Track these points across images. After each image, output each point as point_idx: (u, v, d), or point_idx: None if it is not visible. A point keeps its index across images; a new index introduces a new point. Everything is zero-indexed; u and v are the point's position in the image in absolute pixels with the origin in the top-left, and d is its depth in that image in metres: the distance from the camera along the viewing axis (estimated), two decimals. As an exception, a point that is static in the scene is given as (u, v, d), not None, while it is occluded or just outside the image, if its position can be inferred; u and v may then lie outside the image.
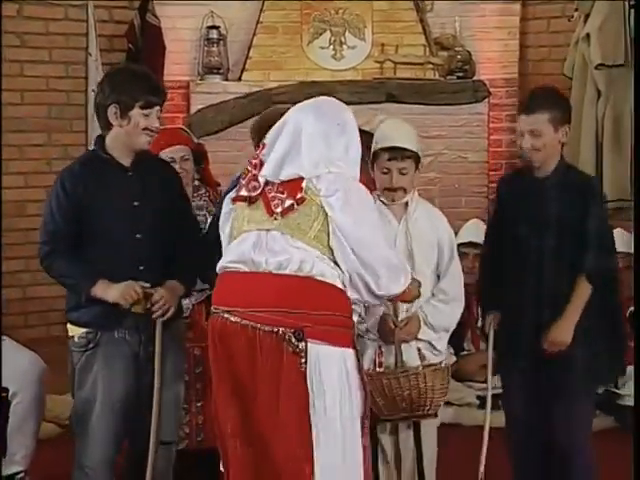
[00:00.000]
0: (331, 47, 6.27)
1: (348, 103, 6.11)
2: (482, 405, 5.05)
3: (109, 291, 3.27)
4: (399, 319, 3.58)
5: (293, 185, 2.91)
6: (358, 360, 2.99)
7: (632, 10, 5.76)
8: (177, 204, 3.46)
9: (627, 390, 4.96)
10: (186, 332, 4.31)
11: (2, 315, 4.67)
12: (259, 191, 2.95)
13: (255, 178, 2.98)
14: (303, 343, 2.83)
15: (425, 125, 6.15)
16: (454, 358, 5.29)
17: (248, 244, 2.93)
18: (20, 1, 5.87)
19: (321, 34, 6.27)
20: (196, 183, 4.42)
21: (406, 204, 3.62)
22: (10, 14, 5.80)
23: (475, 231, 5.55)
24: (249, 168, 3.03)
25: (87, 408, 3.34)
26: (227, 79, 6.22)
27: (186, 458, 4.40)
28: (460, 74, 6.21)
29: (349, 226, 2.89)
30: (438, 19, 6.32)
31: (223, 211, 3.13)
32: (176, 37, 6.22)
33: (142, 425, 3.36)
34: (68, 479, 3.50)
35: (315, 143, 2.95)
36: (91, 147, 5.95)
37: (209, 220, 4.10)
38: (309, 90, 6.06)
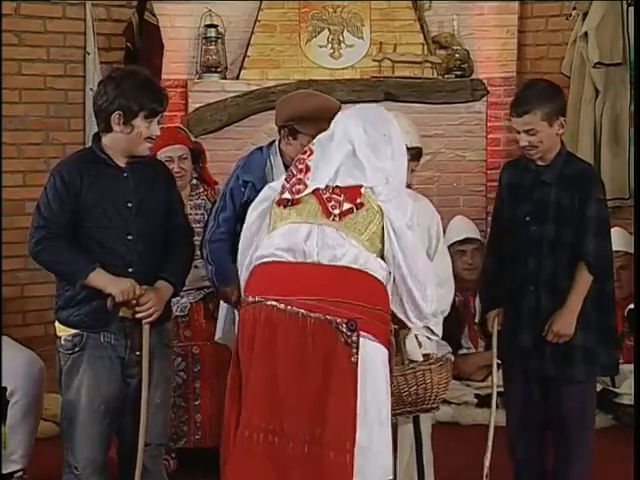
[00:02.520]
0: (329, 46, 6.26)
1: (346, 102, 6.21)
2: (480, 404, 5.08)
3: (108, 282, 3.23)
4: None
5: (352, 190, 2.97)
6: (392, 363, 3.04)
7: (630, 9, 5.77)
8: (170, 206, 3.44)
9: (625, 389, 4.98)
10: (184, 331, 4.32)
11: (1, 314, 4.68)
12: (304, 194, 2.98)
13: (300, 182, 3.01)
14: (355, 335, 2.83)
15: (423, 124, 6.13)
16: (452, 357, 5.29)
17: (300, 235, 2.94)
18: (18, -1, 5.87)
19: (319, 33, 6.25)
20: (194, 182, 4.43)
21: None
22: (8, 12, 5.79)
23: (467, 226, 5.57)
24: (294, 171, 3.05)
25: (73, 410, 3.33)
26: (225, 78, 6.21)
27: (184, 456, 4.41)
28: (458, 73, 6.20)
29: (404, 232, 2.96)
30: (436, 18, 6.30)
31: (258, 201, 3.15)
32: (174, 36, 6.20)
33: (130, 427, 3.37)
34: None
35: (369, 154, 3.01)
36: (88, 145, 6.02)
37: (206, 218, 4.10)
38: (307, 89, 6.07)
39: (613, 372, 3.86)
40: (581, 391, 3.65)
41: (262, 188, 3.58)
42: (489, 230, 3.91)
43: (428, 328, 3.65)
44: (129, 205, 3.29)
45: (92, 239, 3.27)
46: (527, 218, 3.61)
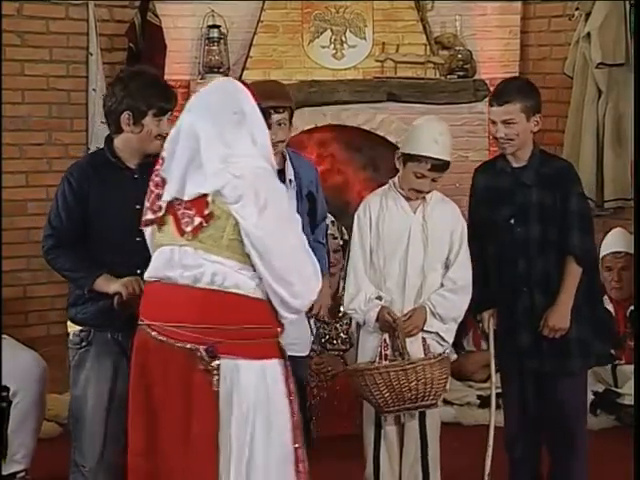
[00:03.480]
0: (332, 46, 6.25)
1: (349, 102, 6.24)
2: (482, 405, 5.07)
3: (111, 283, 3.29)
4: (403, 311, 3.62)
5: (199, 202, 2.77)
6: (288, 370, 2.87)
7: (632, 9, 5.76)
8: None
9: (627, 389, 4.98)
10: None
11: (2, 314, 4.68)
12: (164, 211, 2.82)
13: (159, 198, 2.84)
14: (217, 360, 2.73)
15: (426, 124, 6.16)
16: (455, 356, 5.30)
17: (161, 259, 2.84)
18: (20, 0, 5.87)
19: (322, 33, 6.25)
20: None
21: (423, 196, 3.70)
22: (10, 13, 5.80)
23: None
24: (152, 187, 2.87)
25: (80, 406, 3.37)
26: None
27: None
28: (461, 73, 6.20)
29: (254, 232, 2.73)
30: (439, 18, 6.30)
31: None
32: (177, 36, 6.20)
33: None
34: (65, 478, 3.52)
35: (213, 148, 2.76)
36: (91, 146, 6.01)
37: None
38: (310, 89, 6.07)
39: (608, 361, 3.90)
40: (577, 383, 3.71)
41: None
42: (467, 235, 3.80)
43: (438, 334, 3.66)
44: (138, 207, 3.25)
45: (103, 241, 3.32)
46: (511, 221, 3.64)
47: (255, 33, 6.21)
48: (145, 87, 3.30)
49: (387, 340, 3.63)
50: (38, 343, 5.00)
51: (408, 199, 3.67)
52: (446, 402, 4.97)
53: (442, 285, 3.66)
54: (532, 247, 3.63)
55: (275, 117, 3.63)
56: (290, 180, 3.74)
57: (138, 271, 3.28)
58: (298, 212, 3.67)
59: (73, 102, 6.12)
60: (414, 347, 3.62)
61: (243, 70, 6.23)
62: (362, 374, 3.49)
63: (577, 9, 5.88)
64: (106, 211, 3.32)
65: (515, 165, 3.67)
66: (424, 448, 3.68)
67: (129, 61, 6.05)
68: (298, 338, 3.74)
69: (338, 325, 5.16)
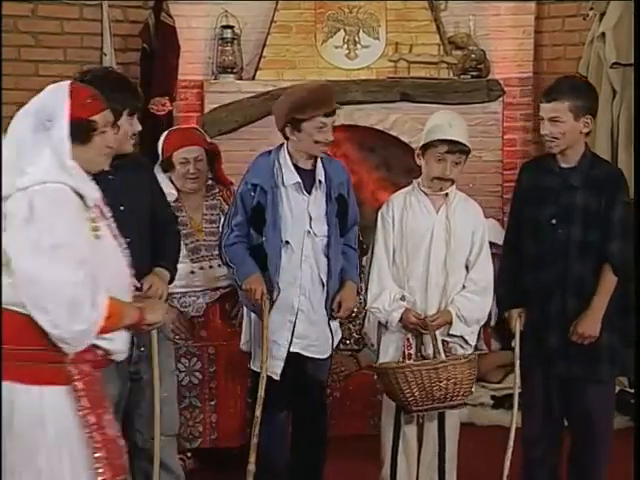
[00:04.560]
0: (345, 46, 6.25)
1: (362, 102, 6.25)
2: (496, 405, 5.07)
3: None
4: (427, 311, 3.64)
5: None
6: (86, 398, 2.62)
7: (646, 9, 5.75)
8: (155, 200, 3.49)
9: None
10: (200, 331, 4.34)
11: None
12: None
13: None
14: None
15: (439, 124, 6.16)
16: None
17: None
18: (35, 0, 5.89)
19: (335, 33, 6.25)
20: (209, 183, 4.44)
21: (446, 195, 3.68)
22: (25, 13, 5.82)
23: (491, 231, 5.53)
24: None
25: None
26: (241, 78, 6.22)
27: (201, 456, 4.42)
28: (474, 73, 6.19)
29: (13, 257, 2.53)
30: (452, 18, 6.29)
31: None
32: (190, 36, 6.20)
33: (137, 424, 3.43)
34: None
35: (10, 156, 2.59)
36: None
37: (221, 220, 4.11)
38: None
39: (632, 373, 3.86)
40: (606, 391, 3.67)
41: (270, 190, 3.62)
42: (505, 230, 3.88)
43: (462, 337, 3.66)
44: (121, 209, 3.26)
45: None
46: (553, 221, 3.60)
47: (268, 33, 6.22)
48: (117, 87, 3.29)
49: (410, 340, 3.63)
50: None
51: (431, 198, 3.67)
52: (459, 402, 4.98)
53: (464, 287, 3.65)
54: (571, 250, 3.57)
55: (329, 120, 3.69)
56: (320, 181, 3.74)
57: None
58: (326, 214, 3.70)
59: (87, 102, 6.15)
60: (429, 349, 3.63)
61: (256, 70, 6.24)
62: (393, 372, 3.49)
63: (591, 9, 5.84)
64: None
65: (564, 165, 3.61)
66: (442, 449, 3.68)
67: (143, 61, 6.08)
68: (317, 340, 3.76)
69: (351, 325, 5.16)
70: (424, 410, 3.55)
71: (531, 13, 6.29)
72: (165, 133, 4.48)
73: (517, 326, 3.69)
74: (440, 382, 3.46)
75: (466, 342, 3.68)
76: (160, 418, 3.40)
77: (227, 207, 4.11)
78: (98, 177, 3.27)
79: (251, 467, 3.63)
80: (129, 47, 6.23)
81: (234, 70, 6.19)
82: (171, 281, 3.50)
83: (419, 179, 3.72)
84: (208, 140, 4.54)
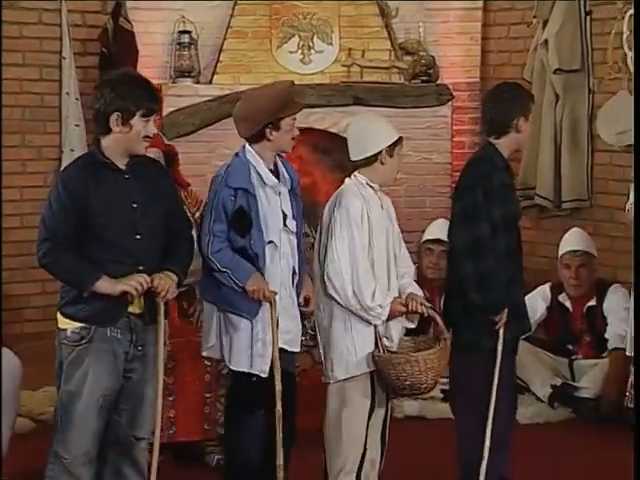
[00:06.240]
0: (299, 51, 6.35)
1: (316, 106, 6.37)
2: (445, 399, 5.16)
3: (116, 285, 3.32)
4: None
5: None
6: None
7: (587, 17, 5.93)
8: (171, 203, 3.53)
9: (584, 383, 5.09)
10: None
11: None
12: None
13: None
14: None
15: (391, 127, 6.30)
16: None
17: None
18: (-6, 4, 5.93)
19: (290, 39, 6.35)
20: (167, 184, 4.51)
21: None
22: (-16, 18, 5.86)
23: (442, 229, 5.65)
24: None
25: (72, 401, 3.38)
26: (198, 82, 6.30)
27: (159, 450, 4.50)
28: (424, 78, 6.32)
29: None
30: (403, 25, 6.42)
31: None
32: (148, 41, 6.27)
33: (123, 422, 3.47)
34: (39, 474, 3.51)
35: None
36: (64, 148, 6.09)
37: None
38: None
39: None
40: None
41: (253, 192, 3.68)
42: (477, 230, 3.66)
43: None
44: (134, 206, 3.37)
45: (102, 241, 3.34)
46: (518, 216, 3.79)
47: (225, 38, 6.30)
48: (133, 88, 3.37)
49: (380, 331, 3.73)
50: (12, 341, 5.06)
51: (378, 193, 3.81)
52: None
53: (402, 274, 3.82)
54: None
55: (294, 120, 3.77)
56: (286, 178, 3.82)
57: (140, 267, 3.37)
58: (293, 210, 3.78)
59: (46, 105, 6.19)
60: (395, 333, 3.78)
61: (213, 74, 6.33)
62: (407, 360, 3.62)
63: (535, 17, 6.00)
64: (106, 211, 3.33)
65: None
66: (384, 429, 3.86)
67: (101, 65, 6.15)
68: (291, 332, 3.79)
69: (306, 322, 5.24)
70: (419, 394, 3.76)
71: (478, 20, 6.46)
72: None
73: (502, 328, 3.71)
74: (441, 366, 3.68)
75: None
76: (145, 419, 3.46)
77: (184, 207, 4.14)
78: (115, 175, 3.37)
79: (280, 461, 3.65)
80: (88, 51, 6.29)
81: (191, 74, 6.26)
82: (179, 285, 3.53)
83: (359, 176, 3.77)
84: (166, 142, 4.61)
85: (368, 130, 3.80)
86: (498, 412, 3.68)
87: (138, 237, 3.37)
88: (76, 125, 6.16)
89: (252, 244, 3.69)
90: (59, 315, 3.44)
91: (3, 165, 5.99)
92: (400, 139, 3.79)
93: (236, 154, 3.82)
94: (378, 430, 3.80)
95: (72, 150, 6.14)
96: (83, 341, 3.37)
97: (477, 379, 3.69)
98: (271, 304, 3.66)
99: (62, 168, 3.55)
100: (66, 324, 3.41)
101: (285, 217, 3.78)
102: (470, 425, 3.72)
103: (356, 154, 3.77)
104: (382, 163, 3.75)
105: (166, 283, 3.39)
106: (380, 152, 3.74)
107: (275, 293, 3.68)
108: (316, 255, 3.78)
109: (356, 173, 3.79)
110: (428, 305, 3.77)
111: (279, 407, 3.63)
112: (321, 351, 3.81)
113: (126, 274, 3.35)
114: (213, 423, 4.33)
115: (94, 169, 3.38)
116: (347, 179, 3.81)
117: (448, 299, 3.85)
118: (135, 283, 3.33)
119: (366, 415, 3.76)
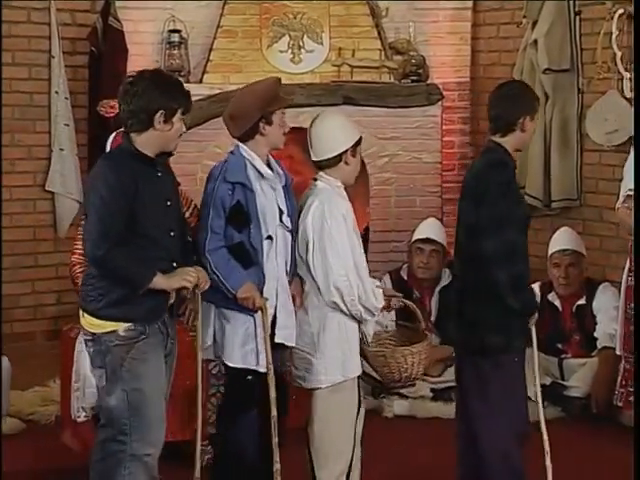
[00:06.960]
0: (290, 51, 6.36)
1: (306, 105, 6.37)
2: (435, 398, 5.19)
3: (171, 280, 3.36)
4: None
5: None
6: None
7: (577, 17, 5.95)
8: (179, 200, 3.62)
9: (573, 382, 5.11)
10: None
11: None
12: None
13: None
14: None
15: (381, 127, 6.32)
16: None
17: None
18: (-18, 3, 5.92)
19: (280, 38, 6.36)
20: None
21: None
22: (-28, 17, 5.86)
23: (432, 228, 5.68)
24: None
25: (141, 398, 3.36)
26: (188, 81, 6.27)
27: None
28: (414, 78, 6.33)
29: None
30: (393, 24, 6.43)
31: None
32: (138, 40, 6.27)
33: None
34: (30, 474, 3.52)
35: None
36: (53, 147, 6.06)
37: None
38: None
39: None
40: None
41: (250, 186, 3.68)
42: (508, 235, 3.59)
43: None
44: (168, 203, 3.41)
45: (146, 237, 3.35)
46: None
47: (215, 38, 6.31)
48: (174, 87, 3.40)
49: (360, 326, 3.76)
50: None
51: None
52: (400, 395, 5.11)
53: None
54: None
55: (284, 114, 3.80)
56: (279, 173, 3.82)
57: (174, 264, 3.40)
58: (287, 206, 3.77)
59: (36, 104, 6.19)
60: (372, 327, 3.82)
61: (203, 74, 6.33)
62: (402, 354, 3.72)
63: (525, 17, 6.03)
64: (146, 208, 3.33)
65: None
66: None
67: (91, 64, 6.16)
68: (288, 328, 3.77)
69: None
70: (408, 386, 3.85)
71: (468, 20, 6.47)
72: (113, 135, 4.52)
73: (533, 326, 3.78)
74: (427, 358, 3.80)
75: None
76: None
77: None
78: (150, 172, 3.38)
79: (277, 466, 3.66)
80: (77, 50, 6.29)
81: (181, 73, 6.26)
82: None
83: (332, 180, 3.75)
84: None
85: (332, 129, 3.75)
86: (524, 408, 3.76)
87: (172, 234, 3.41)
88: (65, 124, 6.16)
89: (251, 238, 3.68)
90: (96, 320, 3.37)
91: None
92: (360, 138, 3.76)
93: (231, 152, 3.82)
94: (361, 427, 3.82)
95: (61, 149, 6.15)
96: (142, 336, 3.36)
97: (506, 379, 3.68)
98: (262, 312, 3.66)
99: (98, 164, 3.41)
100: (112, 326, 3.35)
101: (281, 213, 3.78)
102: (495, 423, 3.69)
103: (321, 154, 3.73)
104: (347, 163, 3.73)
105: (204, 276, 3.48)
106: (345, 152, 3.72)
107: (266, 299, 3.67)
108: (303, 256, 3.75)
109: (322, 173, 3.76)
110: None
111: (274, 413, 3.63)
112: (306, 356, 3.74)
113: (165, 271, 3.36)
114: (203, 422, 4.34)
115: (134, 165, 3.35)
116: (318, 181, 3.77)
117: (470, 303, 3.69)
118: (192, 278, 3.38)
119: (355, 414, 3.78)
